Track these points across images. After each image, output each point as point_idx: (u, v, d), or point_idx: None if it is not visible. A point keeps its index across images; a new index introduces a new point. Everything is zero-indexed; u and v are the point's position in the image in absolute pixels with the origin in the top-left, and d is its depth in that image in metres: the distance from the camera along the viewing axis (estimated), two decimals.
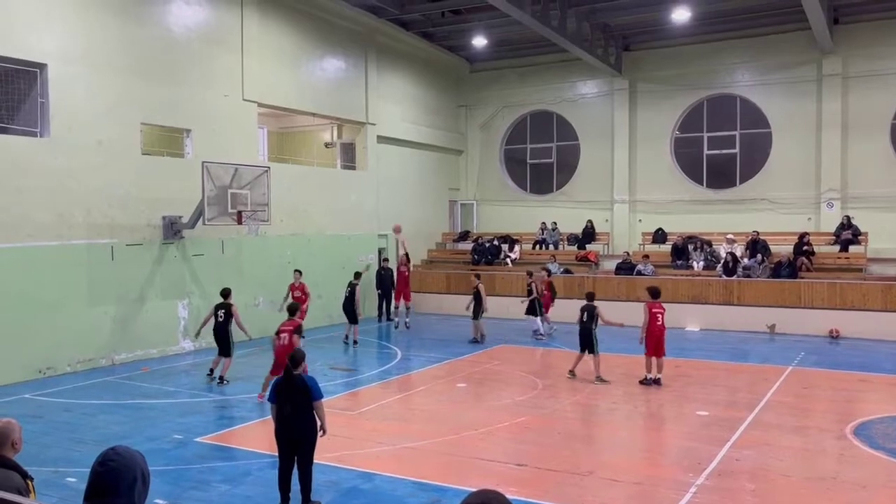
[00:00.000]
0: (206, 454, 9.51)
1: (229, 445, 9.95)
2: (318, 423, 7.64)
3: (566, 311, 20.90)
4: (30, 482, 4.08)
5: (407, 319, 19.92)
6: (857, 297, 19.03)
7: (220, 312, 13.82)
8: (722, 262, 21.51)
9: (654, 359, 13.37)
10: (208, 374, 13.97)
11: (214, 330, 13.80)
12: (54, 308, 14.41)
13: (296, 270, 17.76)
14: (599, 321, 13.89)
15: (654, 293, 13.79)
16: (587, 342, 13.73)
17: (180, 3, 17.13)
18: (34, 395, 12.75)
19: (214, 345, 13.98)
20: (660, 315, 13.52)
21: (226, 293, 14.09)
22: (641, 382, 13.36)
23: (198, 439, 10.12)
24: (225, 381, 13.64)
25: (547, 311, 19.26)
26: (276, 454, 7.76)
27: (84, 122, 14.95)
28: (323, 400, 7.69)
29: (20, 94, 14.25)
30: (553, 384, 13.58)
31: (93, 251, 15.17)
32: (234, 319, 13.74)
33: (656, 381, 13.28)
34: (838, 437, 10.13)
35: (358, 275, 18.06)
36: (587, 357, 13.80)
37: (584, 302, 14.15)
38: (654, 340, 13.38)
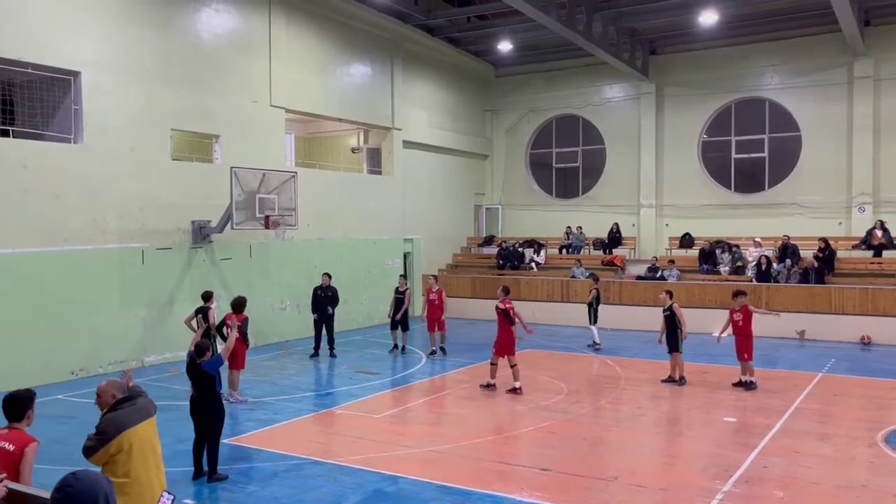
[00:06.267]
0: (234, 455, 9.64)
1: (257, 447, 10.07)
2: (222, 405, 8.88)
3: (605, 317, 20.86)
4: None
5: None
6: (889, 303, 18.69)
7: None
8: (754, 264, 21.24)
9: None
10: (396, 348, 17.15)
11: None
12: (87, 311, 14.69)
13: (431, 276, 18.61)
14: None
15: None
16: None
17: (210, 12, 17.41)
18: (67, 396, 13.00)
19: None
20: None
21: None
22: (485, 386, 13.44)
23: (225, 441, 10.23)
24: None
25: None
26: (304, 456, 8.01)
27: (116, 129, 15.24)
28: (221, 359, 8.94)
29: (55, 101, 14.61)
30: (578, 389, 13.54)
31: (124, 255, 15.46)
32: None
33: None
34: (869, 444, 9.98)
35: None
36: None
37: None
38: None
